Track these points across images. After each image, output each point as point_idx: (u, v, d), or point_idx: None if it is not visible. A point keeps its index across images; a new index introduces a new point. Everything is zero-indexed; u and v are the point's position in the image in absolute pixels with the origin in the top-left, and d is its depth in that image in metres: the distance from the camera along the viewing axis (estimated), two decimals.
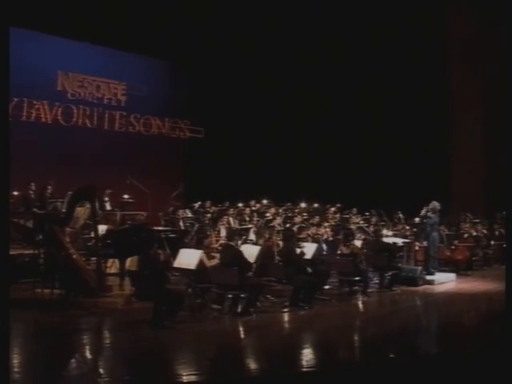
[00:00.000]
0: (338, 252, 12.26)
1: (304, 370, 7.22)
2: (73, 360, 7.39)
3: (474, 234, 16.26)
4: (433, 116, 20.76)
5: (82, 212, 11.98)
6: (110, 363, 7.46)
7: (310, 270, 10.87)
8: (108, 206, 15.50)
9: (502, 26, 9.45)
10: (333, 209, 18.66)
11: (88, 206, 11.41)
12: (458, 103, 21.28)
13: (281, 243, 11.84)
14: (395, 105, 21.44)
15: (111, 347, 8.21)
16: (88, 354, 7.91)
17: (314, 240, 12.81)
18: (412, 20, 19.86)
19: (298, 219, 16.09)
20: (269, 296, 10.98)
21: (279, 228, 14.80)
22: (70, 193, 11.09)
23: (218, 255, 10.42)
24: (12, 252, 10.87)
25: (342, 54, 22.16)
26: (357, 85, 21.95)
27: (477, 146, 20.92)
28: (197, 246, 10.63)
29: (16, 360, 7.06)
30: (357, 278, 11.73)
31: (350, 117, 22.34)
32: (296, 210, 18.42)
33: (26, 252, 12.04)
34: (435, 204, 14.01)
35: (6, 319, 5.37)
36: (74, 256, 10.62)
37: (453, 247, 15.22)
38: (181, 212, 16.08)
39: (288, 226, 14.86)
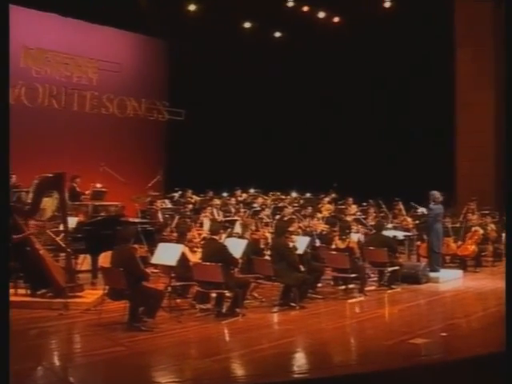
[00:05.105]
0: (333, 246, 12.27)
1: (296, 376, 7.25)
2: (39, 368, 7.35)
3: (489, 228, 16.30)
4: (438, 98, 20.80)
5: (49, 203, 11.92)
6: (80, 371, 7.41)
7: (302, 266, 10.87)
8: (78, 197, 15.45)
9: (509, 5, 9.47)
10: (327, 199, 18.70)
11: (56, 196, 11.36)
12: (465, 84, 21.34)
13: (269, 236, 11.86)
14: (396, 87, 21.48)
15: (82, 353, 8.18)
16: (56, 361, 7.88)
17: (306, 233, 12.84)
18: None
19: (288, 210, 16.13)
20: (256, 295, 11.01)
21: (267, 220, 14.85)
22: (35, 181, 11.00)
23: (200, 250, 10.41)
24: None
25: (337, 34, 22.20)
26: (355, 66, 21.98)
27: (486, 129, 20.99)
28: (178, 241, 10.64)
29: None
30: (353, 275, 11.75)
31: (345, 98, 22.38)
32: (286, 200, 18.46)
33: None
34: (435, 193, 14.02)
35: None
36: (41, 252, 10.56)
37: (460, 242, 15.24)
38: (159, 202, 16.06)
39: (279, 217, 14.90)
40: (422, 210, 14.72)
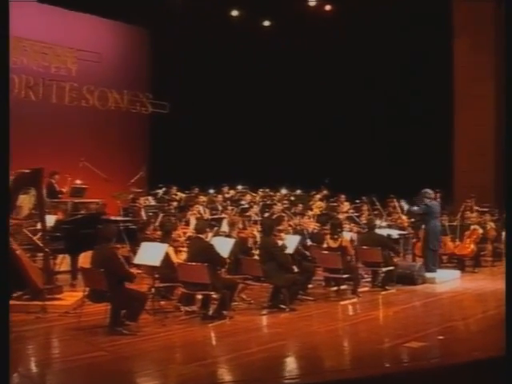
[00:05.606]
0: (324, 245, 12.27)
1: (286, 381, 7.24)
2: (15, 375, 7.27)
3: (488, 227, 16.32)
4: (435, 90, 20.83)
5: (26, 200, 11.87)
6: (59, 377, 7.39)
7: (292, 266, 10.87)
8: (57, 194, 15.42)
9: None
10: (318, 196, 18.72)
11: (33, 193, 11.31)
12: (464, 75, 21.38)
13: (258, 235, 11.85)
14: (392, 79, 21.51)
15: (61, 358, 8.14)
16: (33, 367, 7.84)
17: (297, 232, 12.83)
18: None
19: (277, 207, 16.14)
20: (244, 296, 11.00)
21: (256, 218, 14.86)
22: (11, 177, 10.93)
23: (185, 250, 10.39)
24: None
25: (330, 23, 22.18)
26: (349, 59, 21.98)
27: (486, 123, 21.02)
28: (162, 240, 10.61)
29: None
30: (346, 276, 11.75)
31: (337, 91, 22.37)
32: (276, 197, 18.46)
33: None
34: (428, 191, 14.01)
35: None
36: (17, 252, 10.51)
37: (458, 241, 15.27)
38: (142, 200, 16.04)
39: (268, 215, 14.90)
40: (403, 203, 14.71)
